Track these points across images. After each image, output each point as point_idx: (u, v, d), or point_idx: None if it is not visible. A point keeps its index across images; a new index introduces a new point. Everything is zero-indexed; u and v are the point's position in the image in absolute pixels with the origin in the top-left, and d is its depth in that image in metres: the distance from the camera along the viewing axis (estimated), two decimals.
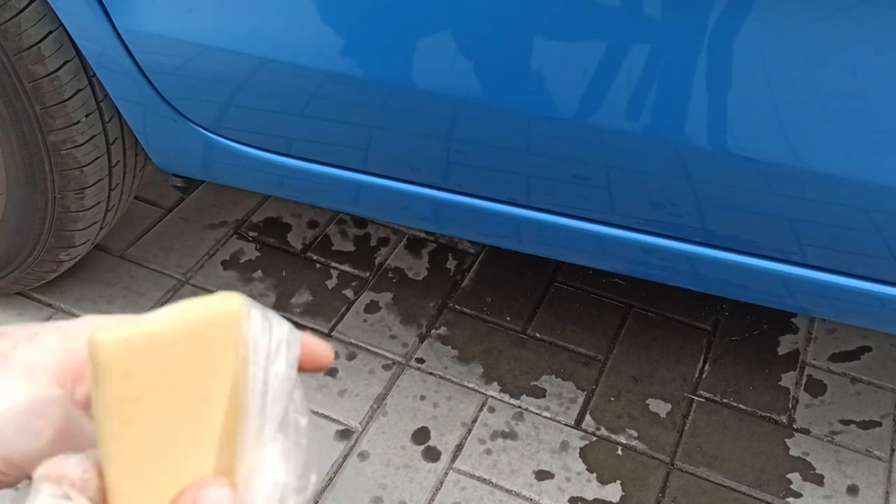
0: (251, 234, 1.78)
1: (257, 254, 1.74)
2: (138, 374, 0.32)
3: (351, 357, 1.56)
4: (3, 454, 0.34)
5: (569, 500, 1.38)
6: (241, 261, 1.72)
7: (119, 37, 1.18)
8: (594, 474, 1.41)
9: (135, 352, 0.32)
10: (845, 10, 0.90)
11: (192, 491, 0.34)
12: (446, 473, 1.40)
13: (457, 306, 1.66)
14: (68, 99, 1.26)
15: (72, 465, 0.33)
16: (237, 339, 0.34)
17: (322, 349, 0.39)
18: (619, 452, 1.45)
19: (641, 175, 1.11)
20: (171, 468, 0.33)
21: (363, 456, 1.41)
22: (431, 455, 1.42)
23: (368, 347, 1.58)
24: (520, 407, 1.50)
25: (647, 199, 1.14)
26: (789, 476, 1.43)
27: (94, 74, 1.26)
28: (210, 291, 1.64)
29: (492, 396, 1.51)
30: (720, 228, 1.14)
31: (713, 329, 1.66)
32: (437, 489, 1.38)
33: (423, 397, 1.51)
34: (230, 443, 0.34)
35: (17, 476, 0.35)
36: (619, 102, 1.03)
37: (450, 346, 1.59)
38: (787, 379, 1.58)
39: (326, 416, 1.46)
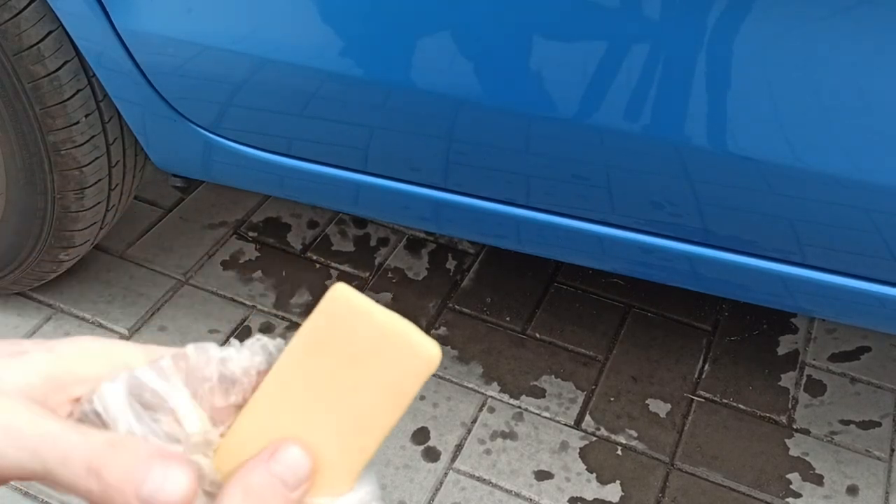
0: (251, 234, 1.78)
1: (257, 254, 1.74)
2: (338, 327, 0.38)
3: None
4: None
5: (568, 500, 1.38)
6: (241, 261, 1.72)
7: (119, 37, 1.18)
8: (594, 474, 1.41)
9: (351, 313, 0.38)
10: (845, 10, 0.90)
11: (279, 443, 0.37)
12: (446, 473, 1.40)
13: (456, 306, 1.66)
14: (68, 99, 1.26)
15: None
16: (410, 382, 0.38)
17: None
18: (619, 452, 1.45)
19: (641, 175, 1.11)
20: (302, 411, 0.38)
21: None
22: (431, 455, 1.42)
23: None
24: (519, 407, 1.50)
25: (646, 199, 1.14)
26: (789, 476, 1.43)
27: (94, 74, 1.26)
28: (210, 292, 1.64)
29: (491, 396, 1.51)
30: (720, 228, 1.14)
31: (713, 329, 1.66)
32: (437, 489, 1.38)
33: (422, 397, 1.51)
34: (344, 442, 0.38)
35: None
36: (618, 102, 1.03)
37: (449, 347, 1.59)
38: (787, 379, 1.58)
39: None
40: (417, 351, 0.38)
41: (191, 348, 0.38)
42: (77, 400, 0.37)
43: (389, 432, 0.39)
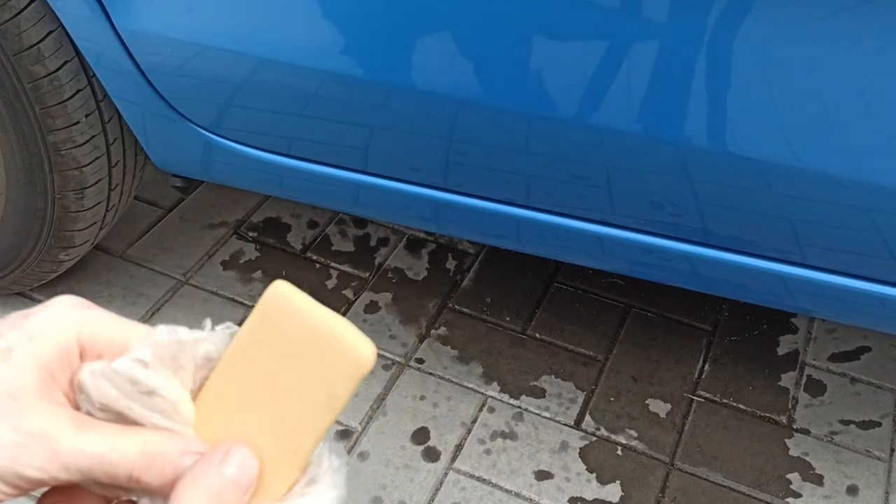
0: (251, 234, 1.78)
1: (257, 254, 1.74)
2: (276, 325, 0.38)
3: None
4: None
5: (568, 501, 1.38)
6: (241, 261, 1.72)
7: (119, 37, 1.18)
8: (594, 474, 1.41)
9: (289, 311, 0.38)
10: (845, 9, 0.90)
11: (230, 444, 0.38)
12: (446, 474, 1.40)
13: (456, 306, 1.66)
14: (68, 99, 1.26)
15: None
16: (342, 384, 0.38)
17: None
18: (619, 452, 1.45)
19: (641, 175, 1.11)
20: (242, 409, 0.39)
21: (363, 456, 1.41)
22: (431, 455, 1.42)
23: None
24: (519, 407, 1.50)
25: (646, 199, 1.14)
26: (789, 476, 1.43)
27: (94, 75, 1.26)
28: (210, 292, 1.64)
29: (491, 396, 1.51)
30: (720, 228, 1.14)
31: (713, 329, 1.66)
32: (437, 489, 1.38)
33: (422, 397, 1.51)
34: (278, 443, 0.39)
35: (13, 494, 0.38)
36: (618, 102, 1.03)
37: (449, 347, 1.59)
38: (787, 379, 1.58)
39: None
40: (350, 352, 0.37)
41: (163, 333, 0.39)
42: (70, 383, 0.40)
43: (324, 434, 0.38)
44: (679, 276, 1.25)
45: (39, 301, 1.59)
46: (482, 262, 1.76)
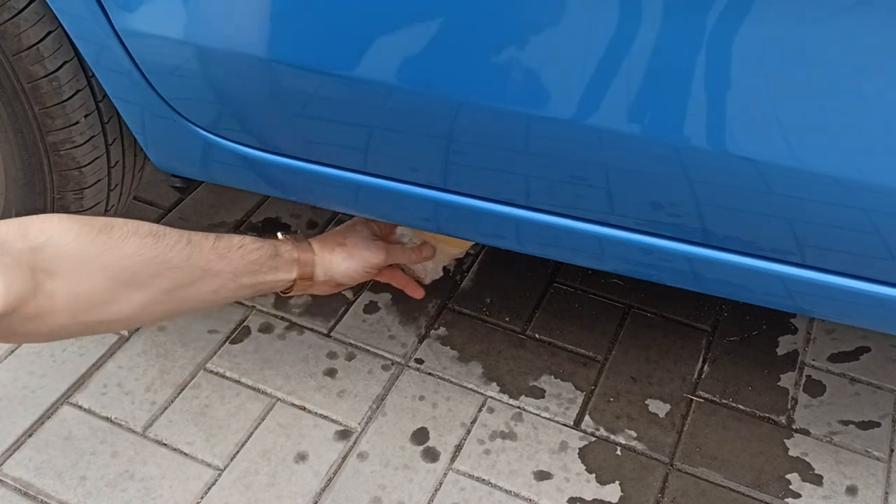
0: (250, 234, 1.78)
1: None
2: None
3: (350, 357, 1.56)
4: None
5: (568, 501, 1.38)
6: None
7: (118, 37, 1.18)
8: (593, 475, 1.41)
9: None
10: (845, 9, 0.90)
11: (427, 246, 1.43)
12: (445, 474, 1.40)
13: (456, 307, 1.66)
14: (67, 99, 1.26)
15: None
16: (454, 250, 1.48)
17: None
18: (619, 453, 1.45)
19: (641, 176, 1.11)
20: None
21: (362, 456, 1.41)
22: (430, 455, 1.42)
23: (367, 348, 1.58)
24: (519, 407, 1.50)
25: (646, 200, 1.14)
26: (788, 476, 1.43)
27: (93, 75, 1.26)
28: None
29: (491, 397, 1.51)
30: (719, 229, 1.14)
31: (712, 330, 1.67)
32: (437, 490, 1.38)
33: (422, 398, 1.51)
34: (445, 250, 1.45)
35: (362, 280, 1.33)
36: (618, 103, 1.03)
37: (449, 347, 1.59)
38: (786, 379, 1.58)
39: (325, 417, 1.46)
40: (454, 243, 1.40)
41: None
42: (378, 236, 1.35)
43: (450, 256, 1.38)
44: (679, 277, 1.25)
45: None
46: (482, 262, 1.76)
